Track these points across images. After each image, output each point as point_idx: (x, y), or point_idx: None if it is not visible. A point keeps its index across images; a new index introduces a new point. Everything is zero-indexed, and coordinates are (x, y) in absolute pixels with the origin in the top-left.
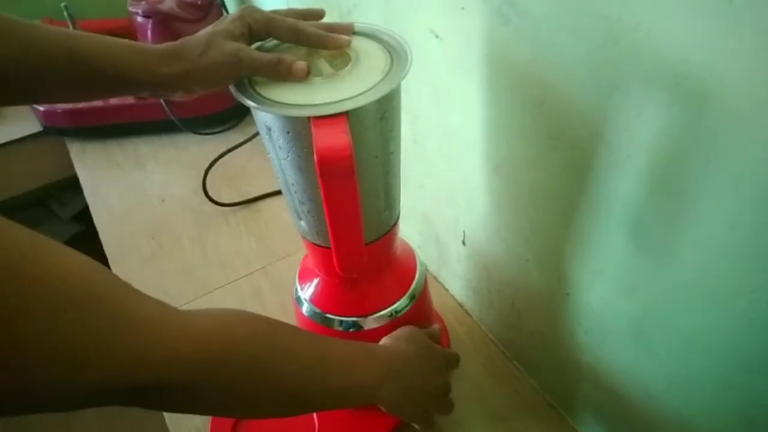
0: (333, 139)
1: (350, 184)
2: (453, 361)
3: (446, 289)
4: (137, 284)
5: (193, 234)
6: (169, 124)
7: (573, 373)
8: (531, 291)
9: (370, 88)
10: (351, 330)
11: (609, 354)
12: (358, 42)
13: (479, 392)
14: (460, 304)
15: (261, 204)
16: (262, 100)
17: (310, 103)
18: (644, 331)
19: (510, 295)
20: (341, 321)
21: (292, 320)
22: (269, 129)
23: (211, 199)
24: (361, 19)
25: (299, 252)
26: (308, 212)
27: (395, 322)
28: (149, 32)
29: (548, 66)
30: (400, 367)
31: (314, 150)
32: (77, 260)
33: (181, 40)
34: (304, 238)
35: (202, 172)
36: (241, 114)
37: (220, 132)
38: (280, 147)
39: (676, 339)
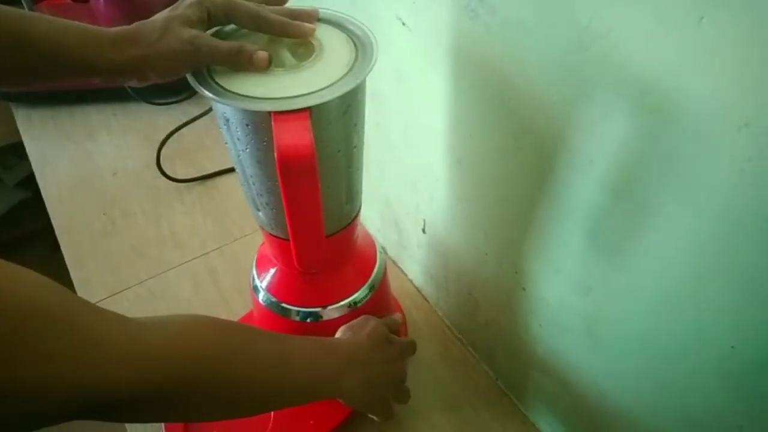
0: (295, 137)
1: (311, 182)
2: (410, 349)
3: (405, 274)
4: (88, 262)
5: (147, 210)
6: (122, 92)
7: (526, 362)
8: (488, 283)
9: (334, 82)
10: (309, 320)
11: (562, 348)
12: (322, 31)
13: (435, 378)
14: (417, 289)
15: (218, 180)
16: (221, 92)
17: (272, 96)
18: (597, 330)
19: (467, 285)
20: (299, 311)
21: (248, 304)
22: (227, 120)
23: (165, 175)
24: (325, 2)
25: (256, 233)
26: (266, 204)
27: (355, 312)
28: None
29: (516, 64)
30: (359, 359)
31: (275, 147)
32: (29, 282)
33: (135, 24)
34: (261, 228)
35: (157, 145)
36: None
37: (176, 102)
38: (238, 139)
39: (628, 340)
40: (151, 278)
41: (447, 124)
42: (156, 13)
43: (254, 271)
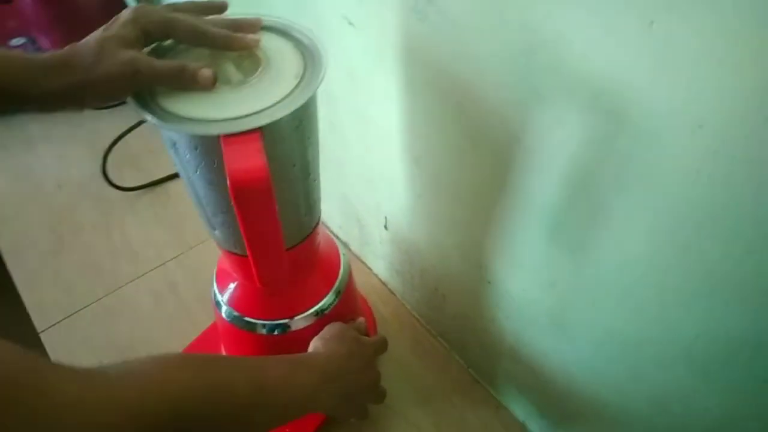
0: (246, 160)
1: (267, 204)
2: (382, 347)
3: (369, 268)
4: (39, 282)
5: (97, 223)
6: None
7: (496, 352)
8: (453, 277)
9: (284, 97)
10: (276, 332)
11: (529, 338)
12: (267, 40)
13: (407, 372)
14: (383, 283)
15: (168, 186)
16: (165, 116)
17: (219, 117)
18: (563, 321)
19: (433, 280)
20: (265, 325)
21: (211, 314)
22: (174, 143)
23: (112, 184)
24: (267, 3)
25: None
26: (222, 224)
27: (322, 319)
28: None
29: (467, 66)
30: (334, 369)
31: (226, 171)
32: None
33: (68, 48)
34: (218, 245)
35: (101, 153)
36: None
37: (118, 105)
38: (188, 161)
39: (594, 330)
40: (107, 295)
41: (402, 123)
42: (86, 11)
43: (215, 286)
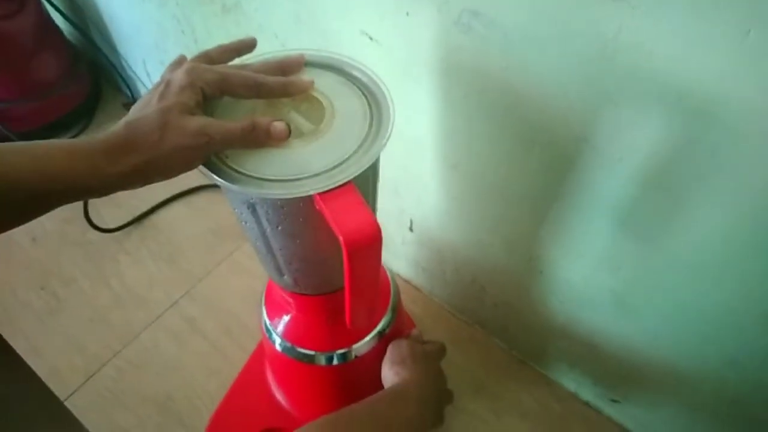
0: (355, 217)
1: (377, 255)
2: (443, 353)
3: (390, 269)
4: (41, 348)
5: (89, 271)
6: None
7: (544, 332)
8: (496, 270)
9: (363, 141)
10: (337, 363)
11: (587, 317)
12: (317, 77)
13: (452, 365)
14: (407, 281)
15: (154, 219)
16: (247, 180)
17: (306, 173)
18: (627, 300)
19: (470, 274)
20: (327, 356)
21: (243, 346)
22: (253, 204)
23: (95, 226)
24: (262, 14)
25: (220, 265)
26: (297, 270)
27: (383, 340)
28: None
29: (521, 74)
30: (425, 393)
31: (337, 232)
32: None
33: (125, 126)
34: (284, 289)
35: None
36: (90, 111)
37: (79, 135)
38: (268, 220)
39: (662, 307)
40: (126, 347)
41: (437, 133)
42: (19, 40)
43: (266, 318)
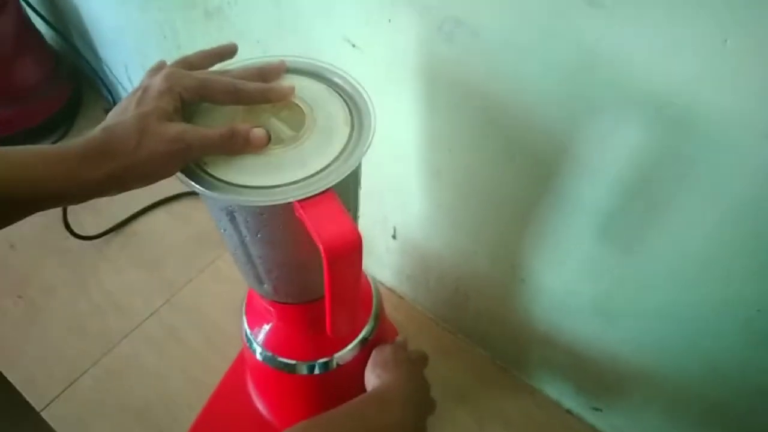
0: (335, 225)
1: (358, 262)
2: (425, 360)
3: (372, 276)
4: (17, 357)
5: (68, 279)
6: None
7: (527, 340)
8: (479, 278)
9: (344, 148)
10: (319, 371)
11: (569, 325)
12: (298, 83)
13: (435, 373)
14: (390, 289)
15: (135, 225)
16: (226, 187)
17: (285, 181)
18: (608, 308)
19: (453, 281)
20: (309, 365)
21: (225, 355)
22: (232, 212)
23: (74, 233)
24: (243, 20)
25: (202, 273)
26: (277, 278)
27: (366, 349)
28: None
29: (504, 83)
30: (406, 397)
31: (316, 239)
32: None
33: (102, 131)
34: (264, 298)
35: None
36: (71, 116)
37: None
38: (247, 228)
39: (644, 314)
40: (105, 355)
41: (421, 140)
42: (1, 44)
43: (246, 328)
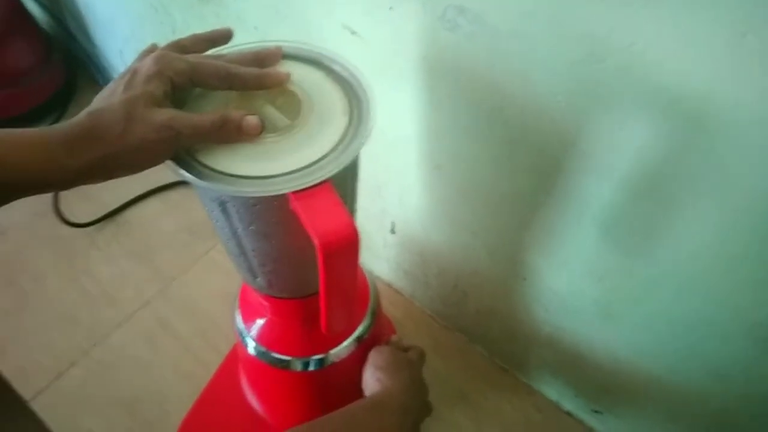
0: (331, 218)
1: (355, 257)
2: (423, 359)
3: (370, 272)
4: (10, 347)
5: (59, 267)
6: None
7: (527, 340)
8: (479, 275)
9: (342, 138)
10: (314, 368)
11: (571, 326)
12: (295, 70)
13: (433, 372)
14: (387, 284)
15: (128, 214)
16: (217, 177)
17: (280, 171)
18: (611, 309)
19: (452, 277)
20: (304, 361)
21: (218, 348)
22: (224, 202)
23: (66, 221)
24: (241, 5)
25: (195, 264)
26: (271, 272)
27: (362, 346)
28: None
29: (509, 74)
30: (408, 401)
31: (312, 233)
32: None
33: (88, 115)
34: (258, 292)
35: None
36: (64, 101)
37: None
38: (239, 219)
39: (647, 316)
40: (95, 346)
41: (421, 132)
42: None
43: (240, 322)
